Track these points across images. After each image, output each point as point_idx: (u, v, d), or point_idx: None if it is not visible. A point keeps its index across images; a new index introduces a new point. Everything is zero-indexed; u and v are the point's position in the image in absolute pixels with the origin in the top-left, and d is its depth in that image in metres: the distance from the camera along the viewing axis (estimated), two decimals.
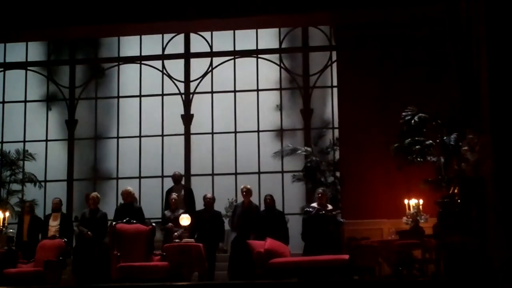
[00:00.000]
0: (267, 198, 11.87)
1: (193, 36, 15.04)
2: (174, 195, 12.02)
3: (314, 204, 11.22)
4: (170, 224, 11.60)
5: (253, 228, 11.41)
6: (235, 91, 14.89)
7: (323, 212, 10.89)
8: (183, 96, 14.99)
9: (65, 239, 11.35)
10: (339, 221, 11.13)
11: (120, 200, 12.51)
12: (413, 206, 10.78)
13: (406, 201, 10.89)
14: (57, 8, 12.56)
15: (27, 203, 12.80)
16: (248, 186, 11.89)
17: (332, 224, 10.87)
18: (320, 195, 11.25)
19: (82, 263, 11.56)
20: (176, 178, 12.48)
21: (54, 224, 12.07)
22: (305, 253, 10.97)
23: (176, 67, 15.14)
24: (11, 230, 11.47)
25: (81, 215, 11.90)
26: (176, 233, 11.35)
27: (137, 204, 12.06)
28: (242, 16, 12.99)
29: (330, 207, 11.20)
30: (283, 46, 15.00)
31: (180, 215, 11.54)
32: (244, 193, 11.72)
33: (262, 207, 11.84)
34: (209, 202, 11.83)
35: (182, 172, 14.42)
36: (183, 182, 13.02)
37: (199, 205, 12.05)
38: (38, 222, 12.31)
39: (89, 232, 11.44)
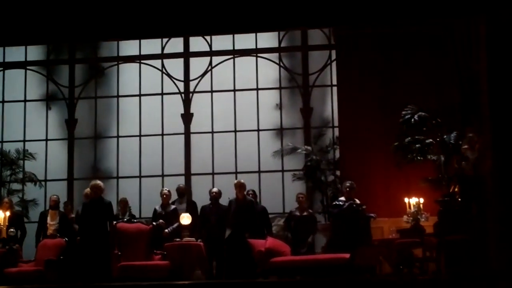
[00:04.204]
0: (249, 193, 11.71)
1: None
2: (165, 190, 11.86)
3: (342, 198, 10.72)
4: (161, 221, 11.48)
5: (249, 225, 11.00)
6: (234, 90, 14.88)
7: (355, 205, 10.39)
8: (182, 95, 14.99)
9: (66, 238, 11.34)
10: (370, 216, 10.62)
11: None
12: (413, 205, 10.81)
13: (406, 200, 10.91)
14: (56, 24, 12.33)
15: (6, 198, 12.60)
16: (242, 181, 11.56)
17: (362, 219, 10.50)
18: (348, 188, 10.61)
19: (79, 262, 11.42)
20: (180, 191, 12.24)
21: (53, 223, 12.01)
22: (330, 249, 10.71)
23: (175, 66, 15.12)
24: (11, 230, 11.43)
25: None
26: (166, 230, 11.32)
27: (107, 200, 11.70)
28: (242, 33, 13.06)
29: (358, 201, 10.60)
30: (282, 45, 14.98)
31: (171, 211, 11.51)
32: (238, 188, 11.28)
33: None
34: (215, 196, 11.63)
35: (182, 171, 14.50)
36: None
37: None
38: (17, 218, 12.07)
39: None
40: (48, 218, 12.08)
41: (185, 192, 12.41)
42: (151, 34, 11.90)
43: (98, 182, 10.87)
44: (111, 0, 9.63)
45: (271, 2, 9.21)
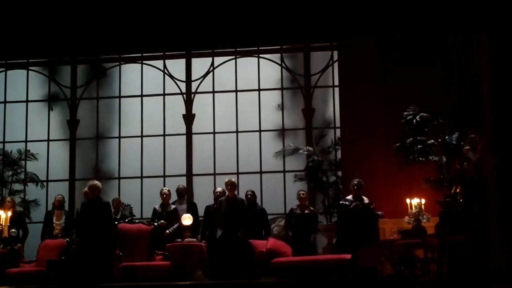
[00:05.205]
0: (248, 194, 11.64)
1: None
2: (165, 190, 11.84)
3: (349, 197, 10.73)
4: (162, 221, 11.45)
5: (240, 225, 10.98)
6: (236, 91, 14.88)
7: (361, 206, 10.40)
8: (184, 96, 14.99)
9: (67, 239, 11.34)
10: (377, 214, 10.62)
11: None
12: (415, 206, 10.78)
13: (408, 201, 10.89)
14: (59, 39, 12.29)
15: (8, 198, 12.54)
16: (233, 179, 11.53)
17: (371, 217, 10.35)
18: (355, 186, 10.65)
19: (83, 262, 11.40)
20: (180, 192, 12.20)
21: (59, 222, 11.97)
22: (336, 249, 10.65)
23: (177, 67, 15.13)
24: (13, 230, 11.42)
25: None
26: (167, 231, 11.31)
27: (105, 200, 11.59)
28: (244, 48, 13.12)
29: (366, 200, 10.64)
30: (284, 45, 14.97)
31: (171, 211, 11.50)
32: (229, 187, 11.25)
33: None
34: (219, 196, 11.50)
35: (184, 171, 14.50)
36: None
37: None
38: (19, 218, 11.96)
39: None
40: (54, 218, 12.05)
41: (184, 193, 12.37)
42: (153, 49, 11.96)
43: (96, 182, 10.86)
44: (115, 17, 9.65)
45: (272, 19, 9.21)
